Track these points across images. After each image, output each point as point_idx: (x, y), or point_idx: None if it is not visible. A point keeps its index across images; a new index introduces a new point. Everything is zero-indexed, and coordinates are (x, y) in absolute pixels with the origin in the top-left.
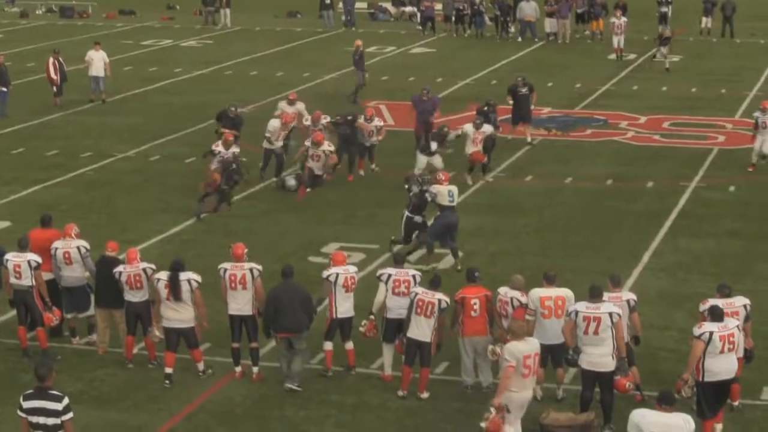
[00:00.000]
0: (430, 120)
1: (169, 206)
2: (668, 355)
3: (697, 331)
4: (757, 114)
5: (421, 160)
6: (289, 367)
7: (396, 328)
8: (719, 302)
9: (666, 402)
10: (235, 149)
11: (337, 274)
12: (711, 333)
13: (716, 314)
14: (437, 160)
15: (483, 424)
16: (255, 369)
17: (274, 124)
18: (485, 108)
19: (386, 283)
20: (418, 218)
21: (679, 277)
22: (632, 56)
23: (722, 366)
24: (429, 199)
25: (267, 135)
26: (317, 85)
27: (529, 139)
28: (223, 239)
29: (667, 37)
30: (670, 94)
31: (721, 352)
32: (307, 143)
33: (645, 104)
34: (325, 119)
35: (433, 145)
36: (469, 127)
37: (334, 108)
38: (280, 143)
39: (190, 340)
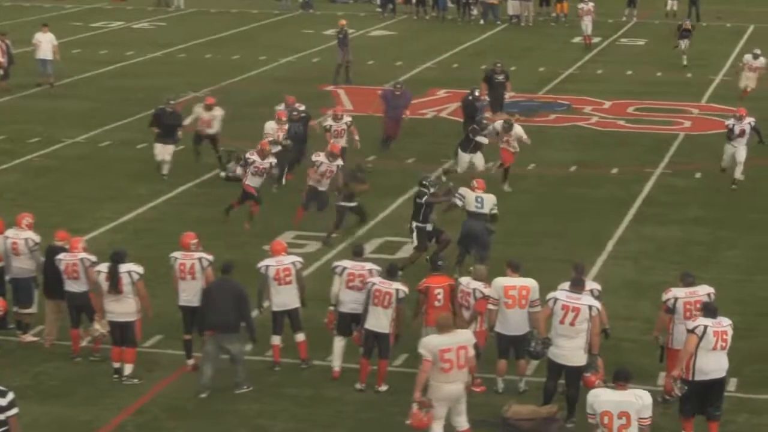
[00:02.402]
0: (401, 116)
1: (121, 194)
2: (632, 346)
3: (690, 325)
4: (731, 121)
5: (464, 158)
6: (211, 373)
7: (349, 322)
8: (682, 291)
9: (621, 379)
10: (271, 159)
11: (268, 266)
12: (705, 327)
13: (710, 310)
14: (479, 160)
15: (408, 421)
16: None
17: (270, 125)
18: (470, 97)
19: (341, 275)
20: (427, 226)
21: (644, 265)
22: (597, 39)
23: (713, 364)
24: (459, 204)
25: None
26: (274, 69)
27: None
28: (176, 228)
29: (687, 29)
30: (635, 79)
31: (714, 348)
32: (320, 157)
33: (610, 89)
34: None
35: (483, 139)
36: (498, 126)
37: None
38: (278, 146)
39: (128, 335)
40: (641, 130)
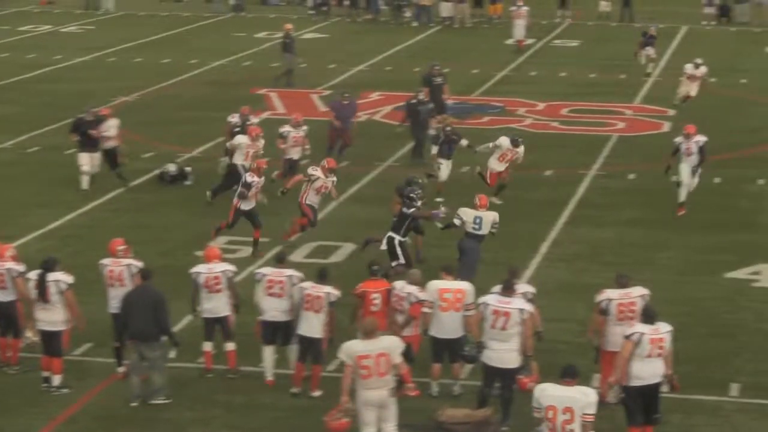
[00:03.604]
0: (349, 126)
1: (50, 200)
2: (567, 348)
3: (627, 332)
4: (679, 139)
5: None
6: (139, 382)
7: (272, 330)
8: (616, 292)
9: (567, 376)
10: (261, 179)
11: (198, 273)
12: (642, 334)
13: (648, 315)
14: (444, 169)
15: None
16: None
17: (242, 139)
18: (414, 101)
19: (260, 282)
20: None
21: (578, 267)
22: (531, 41)
23: (649, 371)
24: (457, 223)
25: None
26: (205, 72)
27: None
28: (106, 234)
29: (652, 36)
30: (569, 80)
31: (649, 356)
32: (316, 171)
33: (543, 90)
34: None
35: (464, 142)
36: (504, 141)
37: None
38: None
39: (54, 345)
40: (575, 132)
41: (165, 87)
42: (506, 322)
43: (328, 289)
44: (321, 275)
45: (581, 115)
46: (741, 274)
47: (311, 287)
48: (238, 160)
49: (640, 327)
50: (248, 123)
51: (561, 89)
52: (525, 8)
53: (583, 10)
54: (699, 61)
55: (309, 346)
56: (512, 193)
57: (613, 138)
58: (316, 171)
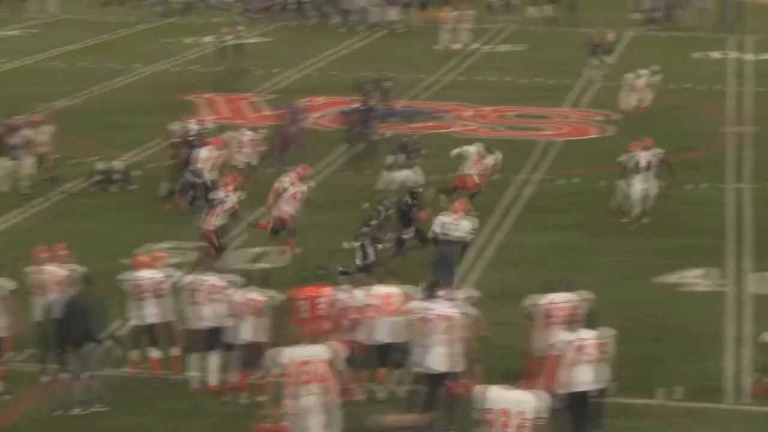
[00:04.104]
0: (304, 130)
1: None
2: (512, 352)
3: (565, 337)
4: (636, 153)
5: (387, 176)
6: (79, 389)
7: (213, 336)
8: (559, 297)
9: (509, 378)
10: (233, 197)
11: (132, 279)
12: (580, 340)
13: (589, 321)
14: (411, 176)
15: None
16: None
17: (204, 153)
18: (363, 107)
19: (198, 289)
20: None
21: (524, 271)
22: (475, 46)
23: (589, 376)
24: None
25: (198, 166)
26: (150, 77)
27: (386, 134)
28: (48, 239)
29: (611, 42)
30: (513, 85)
31: (589, 361)
32: (287, 179)
33: (488, 95)
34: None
35: (401, 158)
36: (474, 149)
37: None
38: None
39: None
40: (520, 136)
41: (109, 91)
42: (440, 327)
43: (270, 293)
44: (264, 280)
45: (526, 120)
46: (675, 277)
47: (254, 292)
48: (203, 177)
49: (578, 333)
50: (203, 131)
51: (506, 94)
52: (468, 13)
53: (527, 15)
54: (656, 68)
55: (252, 351)
56: (457, 197)
57: (557, 142)
58: (287, 179)
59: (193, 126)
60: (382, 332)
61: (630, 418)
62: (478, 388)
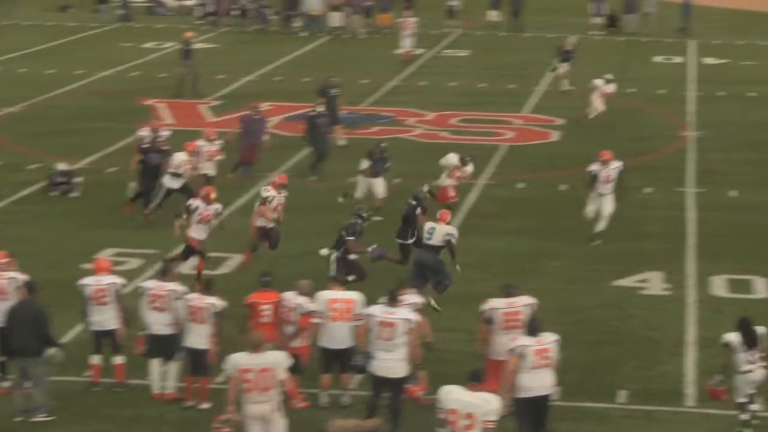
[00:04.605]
0: (259, 141)
1: None
2: (457, 357)
3: (510, 345)
4: (595, 167)
5: (362, 182)
6: (22, 398)
7: (157, 344)
8: (501, 302)
9: (473, 380)
10: (216, 206)
11: (85, 285)
12: (525, 347)
13: (532, 328)
14: (379, 185)
15: None
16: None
17: (180, 157)
18: (313, 113)
19: (144, 296)
20: (350, 256)
21: (468, 277)
22: (420, 51)
23: (536, 381)
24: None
25: (171, 170)
26: (92, 83)
27: (342, 142)
28: None
29: (568, 50)
30: (458, 90)
31: (535, 367)
32: (270, 192)
33: (433, 100)
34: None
35: (364, 163)
36: (452, 159)
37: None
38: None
39: None
40: (465, 141)
41: (51, 98)
42: (392, 333)
43: (212, 300)
44: (206, 286)
45: (471, 125)
46: (628, 282)
47: (196, 298)
48: (177, 183)
49: (523, 339)
50: (158, 138)
51: (451, 99)
52: (413, 19)
53: (472, 20)
54: (610, 76)
55: (195, 357)
56: (402, 202)
57: (502, 147)
58: (269, 191)
59: (163, 132)
60: (343, 337)
61: (574, 422)
62: (419, 395)
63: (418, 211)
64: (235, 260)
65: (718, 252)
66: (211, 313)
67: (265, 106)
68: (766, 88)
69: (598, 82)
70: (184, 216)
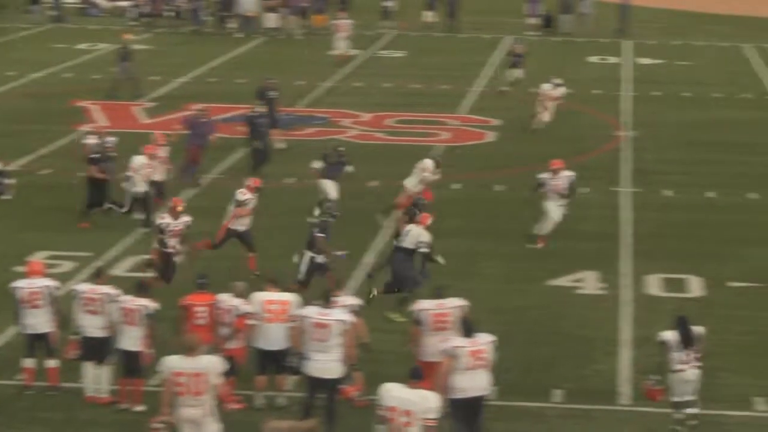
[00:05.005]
0: (206, 144)
1: None
2: (392, 358)
3: (443, 346)
4: (545, 175)
5: (328, 185)
6: None
7: (92, 347)
8: (431, 303)
9: (414, 377)
10: (185, 218)
11: (18, 288)
12: (458, 348)
13: (466, 329)
14: (331, 188)
15: None
16: None
17: (139, 160)
18: (252, 114)
19: (77, 299)
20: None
21: None
22: (356, 52)
23: (470, 382)
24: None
25: (131, 173)
26: (23, 85)
27: (281, 145)
28: None
29: (518, 54)
30: (394, 91)
31: (469, 368)
32: (246, 195)
33: (368, 101)
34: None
35: (349, 168)
36: (428, 163)
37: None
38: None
39: None
40: (400, 142)
41: None
42: (326, 334)
43: (144, 301)
44: (139, 288)
45: (406, 126)
46: (564, 281)
47: (129, 300)
48: (140, 186)
49: (457, 340)
50: (106, 145)
51: (386, 100)
52: (347, 21)
53: (407, 21)
54: (557, 81)
55: (129, 360)
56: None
57: (438, 148)
58: (245, 195)
59: (110, 138)
60: (279, 338)
61: (508, 422)
62: (354, 395)
63: (415, 216)
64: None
65: (652, 251)
66: (143, 315)
67: (200, 107)
68: (700, 88)
69: (546, 86)
70: (159, 236)
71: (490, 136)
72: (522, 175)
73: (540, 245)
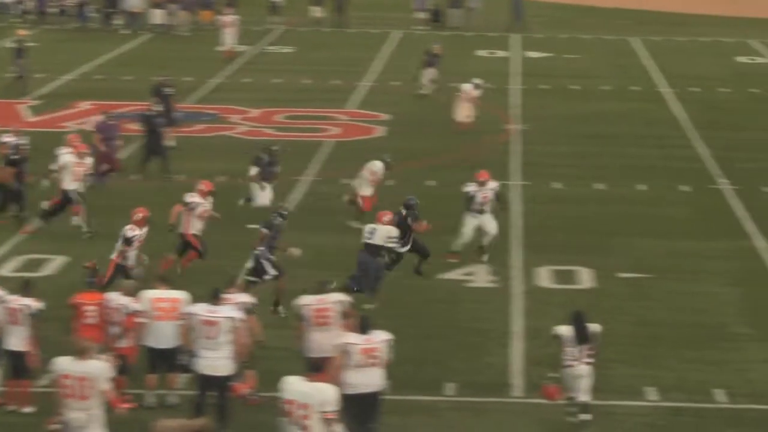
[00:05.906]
0: (116, 147)
1: None
2: (285, 354)
3: (336, 341)
4: (471, 188)
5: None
6: None
7: None
8: (312, 299)
9: (312, 370)
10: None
11: None
12: (350, 345)
13: (363, 326)
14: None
15: None
16: None
17: (67, 159)
18: (149, 112)
19: None
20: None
21: (299, 273)
22: (243, 48)
23: (362, 379)
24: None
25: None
26: None
27: (171, 142)
28: None
29: (436, 54)
30: (283, 87)
31: (361, 365)
32: (194, 198)
33: (258, 97)
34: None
35: (253, 170)
36: (378, 165)
37: None
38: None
39: None
40: (290, 138)
41: None
42: (215, 331)
43: (27, 301)
44: (24, 287)
45: (296, 122)
46: (455, 275)
47: (12, 300)
48: (69, 185)
49: (351, 337)
50: (22, 145)
51: (275, 95)
52: (234, 16)
53: (296, 16)
54: (478, 81)
55: (15, 360)
56: (228, 200)
57: (328, 143)
58: (194, 198)
59: (23, 138)
60: (169, 336)
61: (402, 416)
62: (245, 392)
63: (410, 219)
64: (58, 262)
65: (542, 244)
66: (26, 315)
67: (86, 105)
68: (588, 81)
69: (466, 87)
70: (124, 248)
71: (380, 131)
72: (412, 170)
73: (484, 257)
